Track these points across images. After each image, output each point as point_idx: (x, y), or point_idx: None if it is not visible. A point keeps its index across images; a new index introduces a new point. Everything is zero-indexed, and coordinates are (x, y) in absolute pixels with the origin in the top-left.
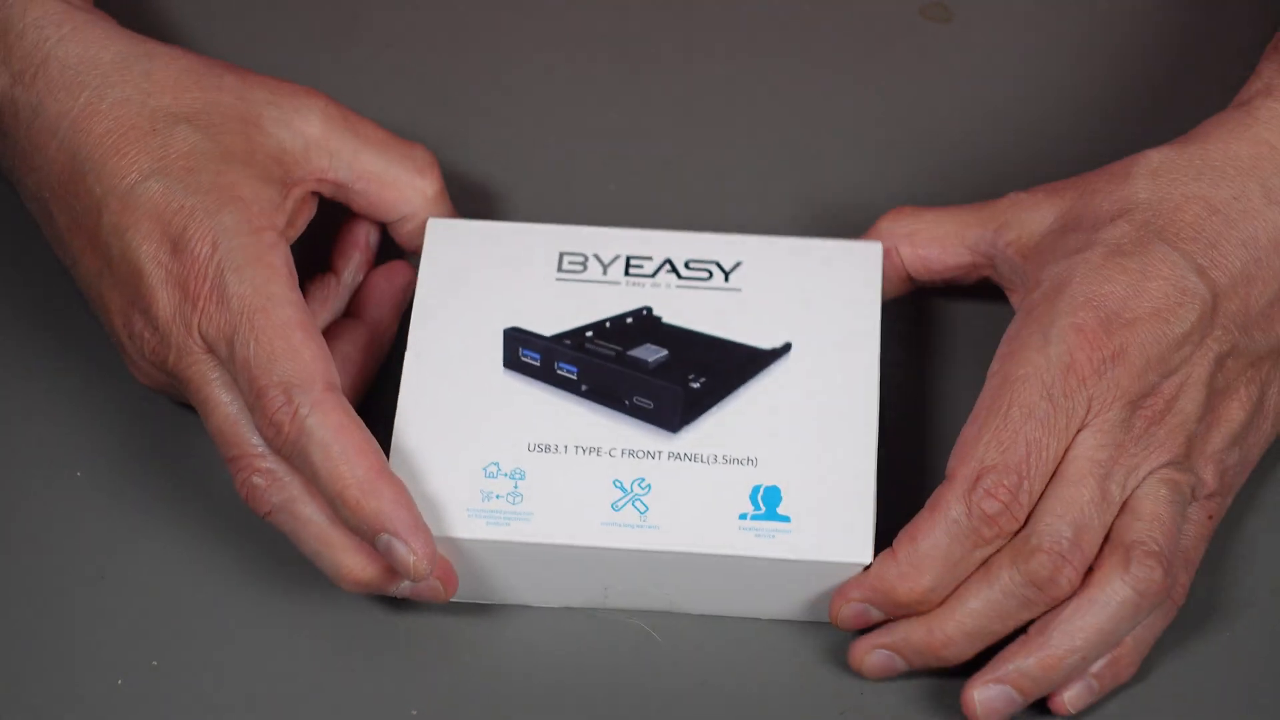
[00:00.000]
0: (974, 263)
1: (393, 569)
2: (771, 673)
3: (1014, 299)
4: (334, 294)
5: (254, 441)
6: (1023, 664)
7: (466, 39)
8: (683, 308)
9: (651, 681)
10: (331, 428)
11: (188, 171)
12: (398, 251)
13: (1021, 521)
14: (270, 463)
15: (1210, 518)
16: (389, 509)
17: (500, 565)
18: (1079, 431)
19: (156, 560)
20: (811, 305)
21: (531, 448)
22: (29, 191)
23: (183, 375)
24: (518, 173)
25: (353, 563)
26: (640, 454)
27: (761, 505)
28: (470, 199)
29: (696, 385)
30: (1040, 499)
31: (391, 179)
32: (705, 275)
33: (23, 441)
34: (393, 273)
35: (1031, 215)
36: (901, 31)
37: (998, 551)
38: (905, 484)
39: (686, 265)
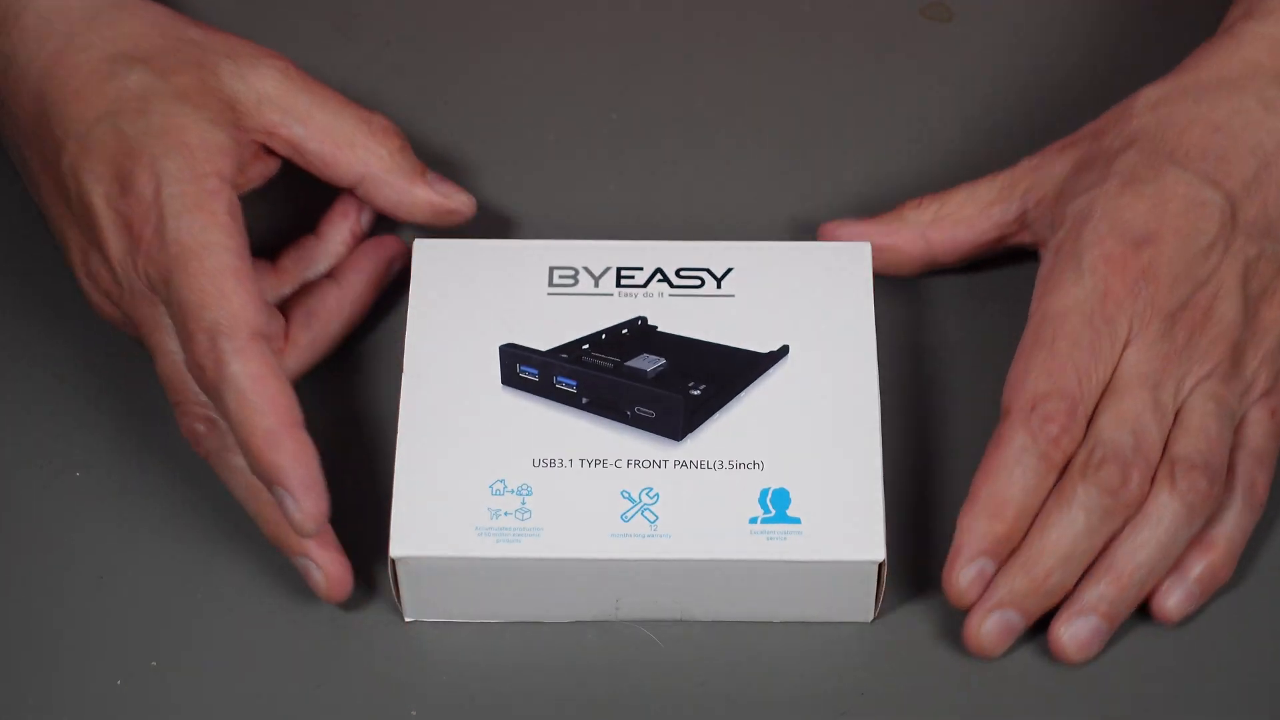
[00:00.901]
0: (1001, 235)
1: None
2: (772, 674)
3: (1044, 248)
4: (311, 255)
5: (196, 389)
6: (1096, 591)
7: (465, 40)
8: (677, 316)
9: (651, 683)
10: (250, 376)
11: (139, 114)
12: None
13: (1080, 440)
14: (211, 411)
15: (1274, 414)
16: (286, 463)
17: (511, 583)
18: (1124, 351)
19: (156, 560)
20: (805, 307)
21: (536, 463)
22: (9, 139)
23: (134, 317)
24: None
25: (269, 515)
26: (646, 464)
27: (771, 508)
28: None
29: (697, 392)
30: (1095, 416)
31: (345, 139)
32: (697, 283)
33: (23, 441)
34: (380, 244)
35: (1048, 172)
36: (901, 31)
37: (1063, 477)
38: (905, 483)
39: (678, 274)
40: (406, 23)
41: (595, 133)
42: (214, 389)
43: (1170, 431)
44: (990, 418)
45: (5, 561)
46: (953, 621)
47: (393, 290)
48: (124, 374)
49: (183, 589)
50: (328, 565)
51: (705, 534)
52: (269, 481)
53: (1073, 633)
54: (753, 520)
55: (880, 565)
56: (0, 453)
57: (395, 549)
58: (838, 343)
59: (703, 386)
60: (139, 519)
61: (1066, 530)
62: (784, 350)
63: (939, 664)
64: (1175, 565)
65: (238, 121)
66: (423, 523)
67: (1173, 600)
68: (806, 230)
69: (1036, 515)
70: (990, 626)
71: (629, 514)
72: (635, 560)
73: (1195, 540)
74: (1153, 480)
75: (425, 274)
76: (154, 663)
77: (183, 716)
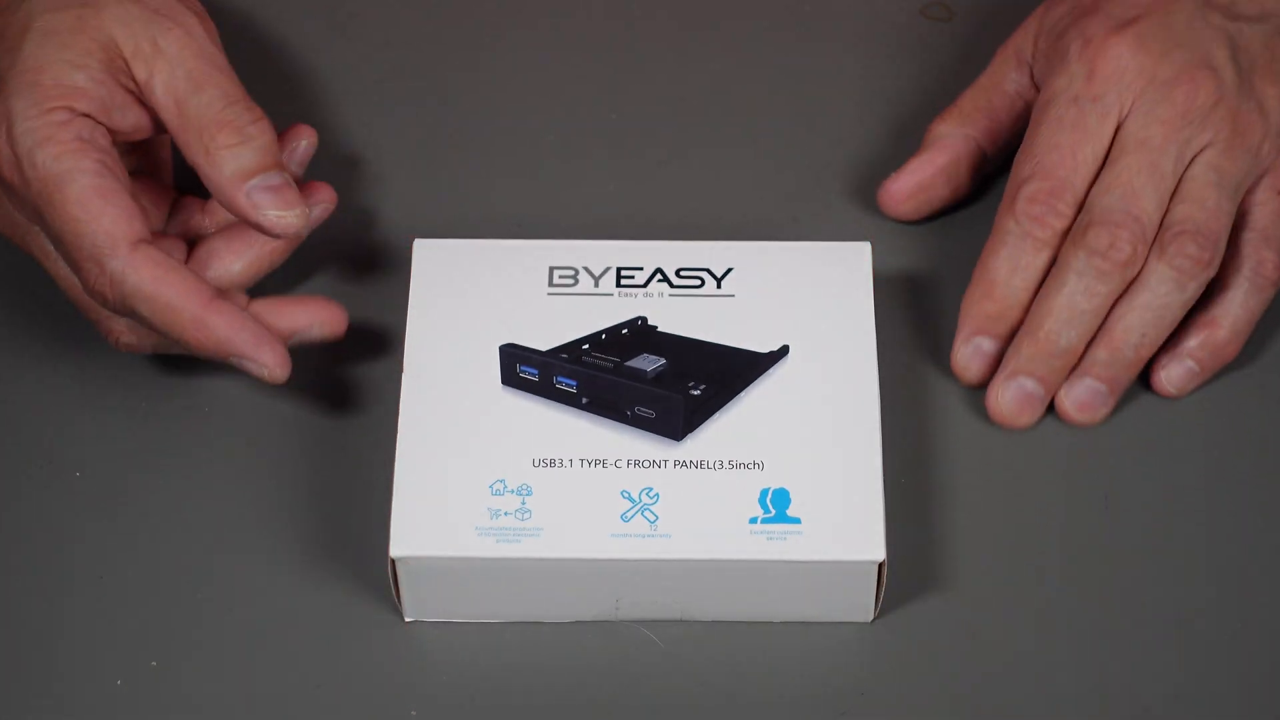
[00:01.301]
0: (1026, 101)
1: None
2: (772, 674)
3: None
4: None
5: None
6: (1092, 355)
7: (465, 40)
8: (677, 316)
9: (651, 683)
10: (149, 281)
11: (11, 50)
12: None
13: (1069, 217)
14: (127, 336)
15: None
16: (225, 334)
17: (511, 583)
18: (1121, 124)
19: (156, 560)
20: (805, 307)
21: (536, 463)
22: None
23: (31, 251)
24: (507, 182)
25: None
26: (646, 464)
27: (771, 508)
28: (459, 204)
29: (697, 392)
30: (1092, 186)
31: (193, 119)
32: (697, 283)
33: (23, 441)
34: (310, 190)
35: (1036, 26)
36: (902, 31)
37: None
38: (905, 483)
39: (678, 273)
40: (406, 22)
41: (595, 133)
42: (123, 308)
43: (1169, 205)
44: (990, 422)
45: (5, 561)
46: (953, 621)
47: (393, 290)
48: (125, 374)
49: (183, 589)
50: (274, 358)
51: (705, 534)
52: (222, 356)
53: (1072, 396)
54: (753, 520)
55: (880, 565)
56: (0, 453)
57: (395, 549)
58: (838, 343)
59: (703, 386)
60: (139, 519)
61: (1060, 293)
62: (784, 350)
63: (939, 664)
64: (1174, 339)
65: (109, 65)
66: (423, 523)
67: (1170, 373)
68: (807, 230)
69: (1027, 292)
70: (1008, 396)
71: (629, 514)
72: (635, 560)
73: (1198, 317)
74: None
75: (425, 274)
76: (154, 663)
77: (182, 716)
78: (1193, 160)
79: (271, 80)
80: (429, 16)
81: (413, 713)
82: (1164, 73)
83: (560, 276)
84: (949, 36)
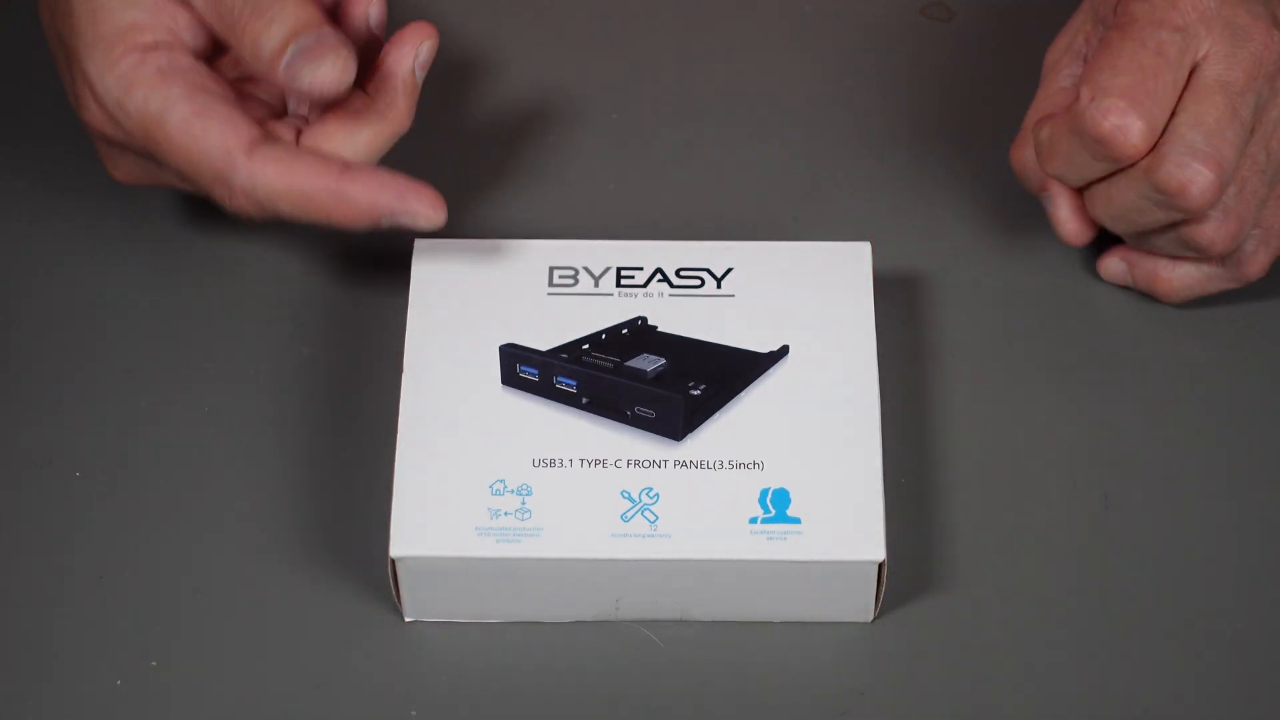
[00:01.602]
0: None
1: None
2: (772, 674)
3: None
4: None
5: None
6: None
7: (465, 40)
8: (677, 316)
9: (651, 683)
10: (277, 178)
11: (65, 17)
12: None
13: (1140, 146)
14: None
15: None
16: (369, 199)
17: (511, 583)
18: (1198, 63)
19: (156, 560)
20: (805, 307)
21: (536, 463)
22: None
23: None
24: (507, 182)
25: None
26: (646, 464)
27: (771, 508)
28: (459, 204)
29: (697, 392)
30: (1170, 119)
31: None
32: (697, 283)
33: (23, 441)
34: (399, 35)
35: (1077, 21)
36: (902, 31)
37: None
38: (905, 483)
39: (678, 273)
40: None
41: (595, 133)
42: (263, 212)
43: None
44: (990, 419)
45: (5, 561)
46: (953, 621)
47: (393, 290)
48: (124, 374)
49: (183, 589)
50: (426, 202)
51: (705, 534)
52: (374, 222)
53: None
54: (753, 520)
55: (880, 565)
56: (0, 453)
57: (395, 549)
58: (838, 343)
59: (703, 386)
60: (139, 519)
61: (1121, 204)
62: (784, 350)
63: (939, 664)
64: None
65: None
66: (423, 523)
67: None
68: (807, 230)
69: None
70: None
71: (629, 514)
72: (635, 560)
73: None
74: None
75: (425, 274)
76: (154, 663)
77: (182, 716)
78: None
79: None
80: (429, 16)
81: (413, 713)
82: (1240, 20)
83: (560, 276)
84: (949, 36)
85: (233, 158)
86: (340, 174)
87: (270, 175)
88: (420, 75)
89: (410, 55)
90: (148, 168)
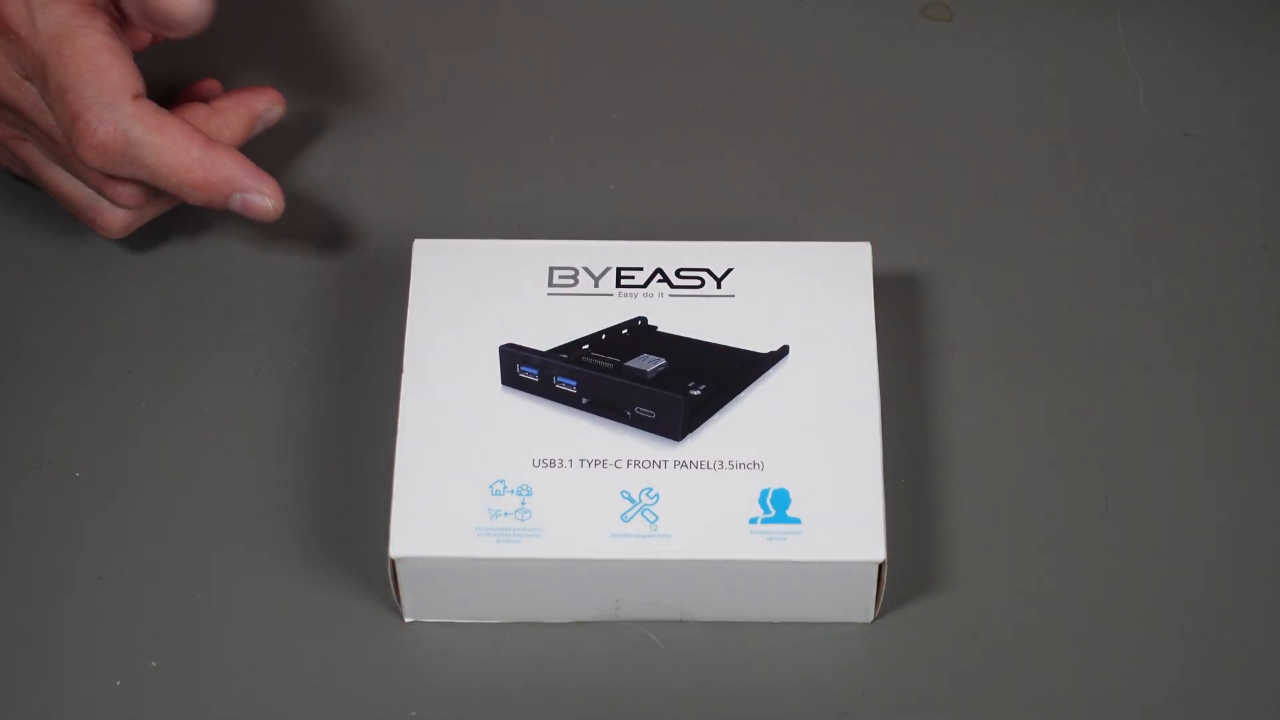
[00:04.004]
0: None
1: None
2: (772, 674)
3: None
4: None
5: (88, 191)
6: None
7: (465, 40)
8: (677, 316)
9: (651, 684)
10: (152, 128)
11: None
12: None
13: None
14: (121, 213)
15: None
16: (231, 170)
17: (511, 583)
18: None
19: (156, 560)
20: (805, 307)
21: (536, 463)
22: None
23: (26, 161)
24: (507, 181)
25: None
26: (646, 464)
27: (771, 508)
28: (459, 204)
29: (697, 393)
30: None
31: None
32: (697, 283)
33: (22, 441)
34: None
35: None
36: (902, 31)
37: None
38: (905, 483)
39: (678, 274)
40: (406, 22)
41: (595, 133)
42: (124, 155)
43: None
44: (990, 419)
45: (5, 561)
46: (953, 621)
47: (393, 290)
48: (124, 373)
49: (183, 589)
50: (271, 189)
51: (705, 534)
52: (225, 195)
53: None
54: (753, 520)
55: (880, 565)
56: (0, 453)
57: (395, 549)
58: (838, 343)
59: (703, 386)
60: (139, 519)
61: None
62: (784, 350)
63: (939, 664)
64: None
65: None
66: (423, 523)
67: None
68: (807, 230)
69: None
70: None
71: (629, 514)
72: (635, 560)
73: None
74: None
75: (425, 274)
76: (154, 663)
77: (182, 716)
78: None
79: (271, 80)
80: (429, 16)
81: (413, 713)
82: None
83: (560, 276)
84: (949, 36)
85: (121, 95)
86: (209, 143)
87: (149, 123)
88: (259, 129)
89: (264, 103)
90: (15, 121)
